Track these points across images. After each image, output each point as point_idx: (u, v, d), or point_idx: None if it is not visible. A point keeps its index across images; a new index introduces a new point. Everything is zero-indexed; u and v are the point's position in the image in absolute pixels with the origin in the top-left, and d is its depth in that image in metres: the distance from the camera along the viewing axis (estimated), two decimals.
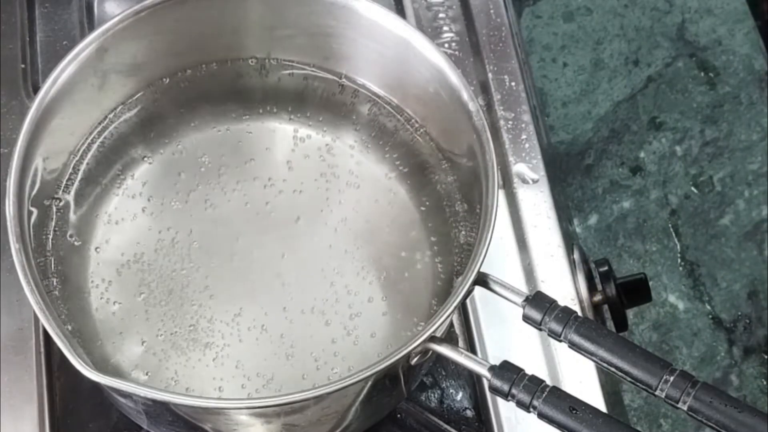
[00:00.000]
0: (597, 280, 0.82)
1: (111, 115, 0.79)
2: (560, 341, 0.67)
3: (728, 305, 1.13)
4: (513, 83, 0.89)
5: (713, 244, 1.16)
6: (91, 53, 0.74)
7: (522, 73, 0.90)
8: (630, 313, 0.83)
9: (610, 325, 0.82)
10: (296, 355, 0.73)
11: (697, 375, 0.64)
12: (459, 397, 0.80)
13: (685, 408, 0.64)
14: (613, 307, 0.81)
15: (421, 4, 0.92)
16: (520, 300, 0.68)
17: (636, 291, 0.82)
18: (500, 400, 0.75)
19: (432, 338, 0.66)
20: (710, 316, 1.13)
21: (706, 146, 1.20)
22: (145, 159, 0.79)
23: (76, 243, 0.75)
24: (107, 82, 0.77)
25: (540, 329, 0.68)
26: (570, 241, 0.84)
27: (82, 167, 0.77)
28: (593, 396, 0.78)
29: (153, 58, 0.78)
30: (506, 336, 0.80)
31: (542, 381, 0.65)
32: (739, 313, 1.13)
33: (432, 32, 0.91)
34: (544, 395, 0.64)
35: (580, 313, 0.69)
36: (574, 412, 0.64)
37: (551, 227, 0.84)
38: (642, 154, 1.19)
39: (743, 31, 1.25)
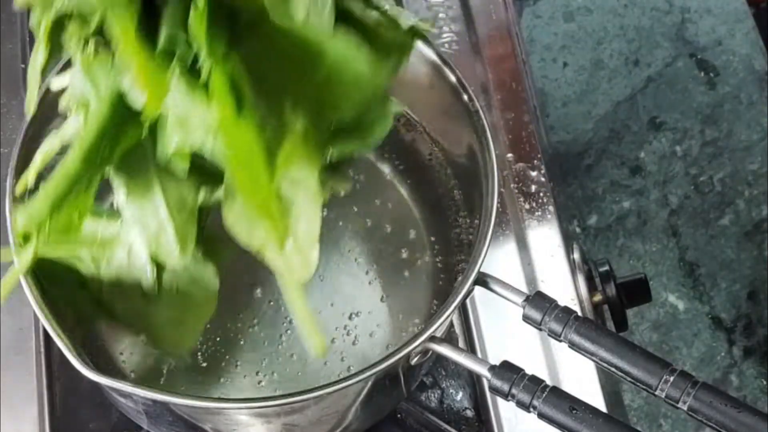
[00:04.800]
0: (597, 280, 0.82)
1: None
2: (560, 341, 0.67)
3: (728, 305, 1.13)
4: (513, 83, 0.89)
5: (713, 244, 1.16)
6: None
7: (522, 73, 0.90)
8: (630, 313, 0.83)
9: (610, 325, 0.82)
10: (296, 355, 0.73)
11: (697, 375, 0.64)
12: (459, 397, 0.80)
13: (685, 408, 0.63)
14: (613, 307, 0.81)
15: (421, 4, 0.92)
16: (520, 300, 0.68)
17: (636, 291, 0.82)
18: (500, 400, 0.75)
19: (432, 338, 0.66)
20: (710, 316, 1.13)
21: (706, 146, 1.20)
22: None
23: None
24: None
25: (540, 329, 0.68)
26: (570, 241, 0.84)
27: None
28: (593, 396, 0.78)
29: None
30: (506, 336, 0.80)
31: (542, 381, 0.65)
32: (739, 313, 1.13)
33: (432, 32, 0.91)
34: (544, 395, 0.64)
35: (580, 313, 0.69)
36: (574, 412, 0.64)
37: (551, 227, 0.84)
38: (642, 154, 1.19)
39: (743, 31, 1.25)
